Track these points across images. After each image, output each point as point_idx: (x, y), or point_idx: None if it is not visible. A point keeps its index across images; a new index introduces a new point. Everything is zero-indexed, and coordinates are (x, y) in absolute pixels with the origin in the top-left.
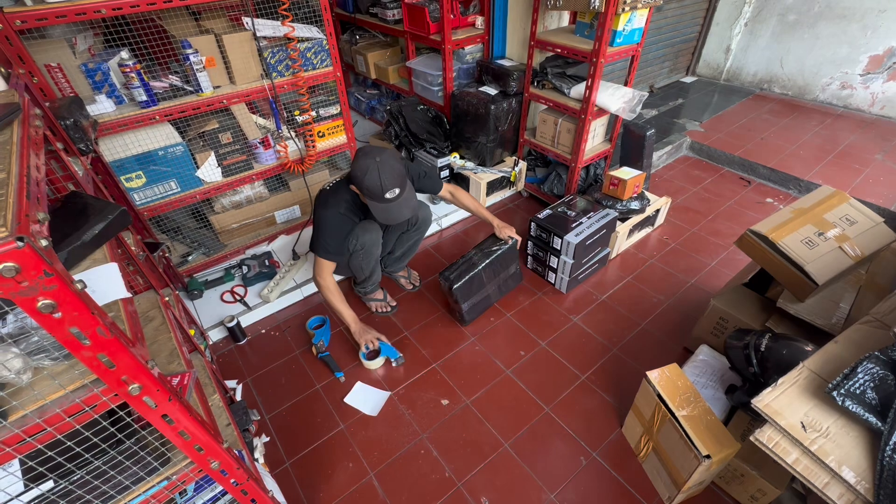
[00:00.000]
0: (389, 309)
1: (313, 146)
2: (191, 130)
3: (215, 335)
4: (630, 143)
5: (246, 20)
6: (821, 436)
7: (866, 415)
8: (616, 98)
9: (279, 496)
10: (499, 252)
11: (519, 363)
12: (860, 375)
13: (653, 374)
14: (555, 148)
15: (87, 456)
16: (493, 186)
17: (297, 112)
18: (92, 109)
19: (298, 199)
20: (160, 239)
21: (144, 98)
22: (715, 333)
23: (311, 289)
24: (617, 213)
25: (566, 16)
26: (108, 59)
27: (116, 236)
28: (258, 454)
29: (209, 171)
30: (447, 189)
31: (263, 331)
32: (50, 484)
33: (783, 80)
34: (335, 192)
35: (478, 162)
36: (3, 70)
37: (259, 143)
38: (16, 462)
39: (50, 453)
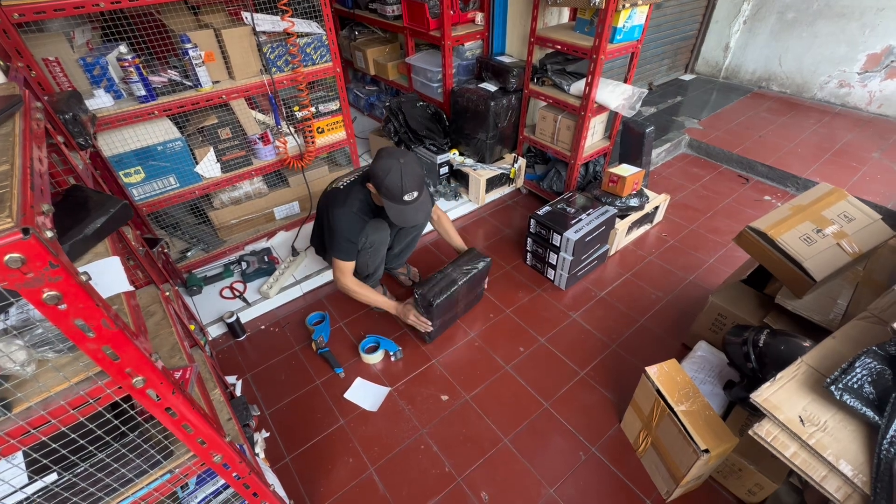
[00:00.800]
0: None
1: (312, 142)
2: (190, 126)
3: (215, 331)
4: (629, 140)
5: (245, 15)
6: (819, 430)
7: (864, 409)
8: (616, 95)
9: (280, 491)
10: (474, 272)
11: (518, 359)
12: (858, 370)
13: (652, 370)
14: (554, 145)
15: (90, 448)
16: (492, 183)
17: (296, 108)
18: (90, 104)
19: (298, 195)
20: (159, 235)
21: (143, 93)
22: (713, 330)
23: (310, 285)
24: (616, 210)
25: (566, 12)
26: (106, 54)
27: (117, 231)
28: (259, 449)
29: (208, 166)
30: (436, 211)
31: (263, 327)
32: (54, 476)
33: (781, 78)
34: (349, 190)
35: (477, 159)
36: (2, 63)
37: (258, 138)
38: (20, 454)
39: (54, 445)
